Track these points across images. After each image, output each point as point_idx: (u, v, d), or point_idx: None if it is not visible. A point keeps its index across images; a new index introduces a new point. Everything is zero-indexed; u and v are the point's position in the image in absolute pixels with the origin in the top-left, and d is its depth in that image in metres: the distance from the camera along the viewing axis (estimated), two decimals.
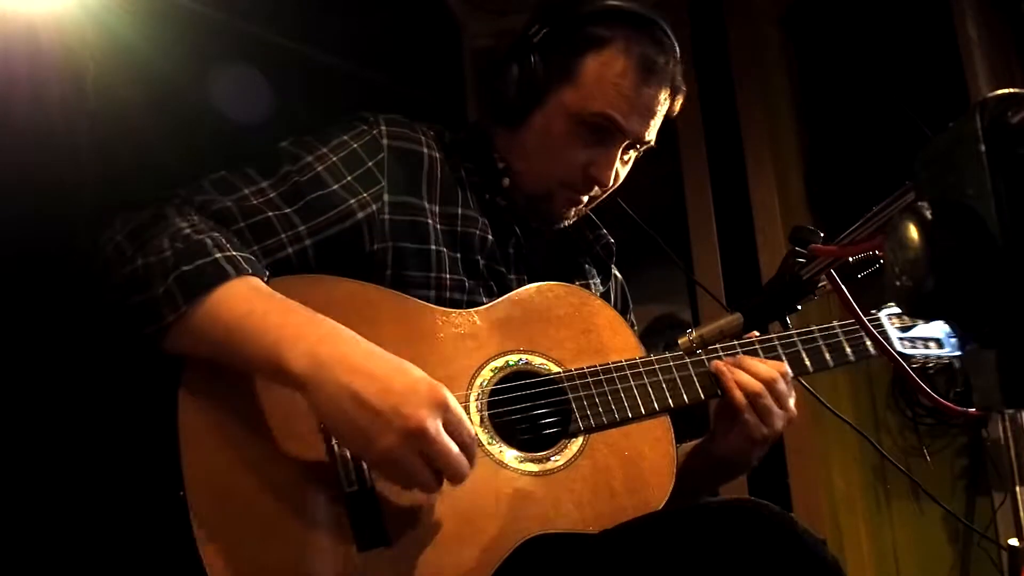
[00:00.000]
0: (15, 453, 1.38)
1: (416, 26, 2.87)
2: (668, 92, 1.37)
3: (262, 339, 1.03)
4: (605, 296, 1.55)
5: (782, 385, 1.32)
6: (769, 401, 1.31)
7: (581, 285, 1.45)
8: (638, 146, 1.39)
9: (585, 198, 1.40)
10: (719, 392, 1.33)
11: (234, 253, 1.09)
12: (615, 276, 1.61)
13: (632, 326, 1.62)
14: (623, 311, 1.62)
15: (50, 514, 1.41)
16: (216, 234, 1.11)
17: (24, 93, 1.47)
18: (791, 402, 1.34)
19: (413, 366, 1.05)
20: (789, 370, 1.35)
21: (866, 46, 2.70)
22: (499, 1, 3.00)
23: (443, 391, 1.02)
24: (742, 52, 3.04)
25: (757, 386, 1.30)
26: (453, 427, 1.02)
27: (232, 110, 1.78)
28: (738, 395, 1.30)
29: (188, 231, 1.10)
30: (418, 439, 0.99)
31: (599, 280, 1.54)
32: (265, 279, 1.11)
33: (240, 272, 1.07)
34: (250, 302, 1.06)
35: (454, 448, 1.01)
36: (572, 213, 1.42)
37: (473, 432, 1.06)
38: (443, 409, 1.01)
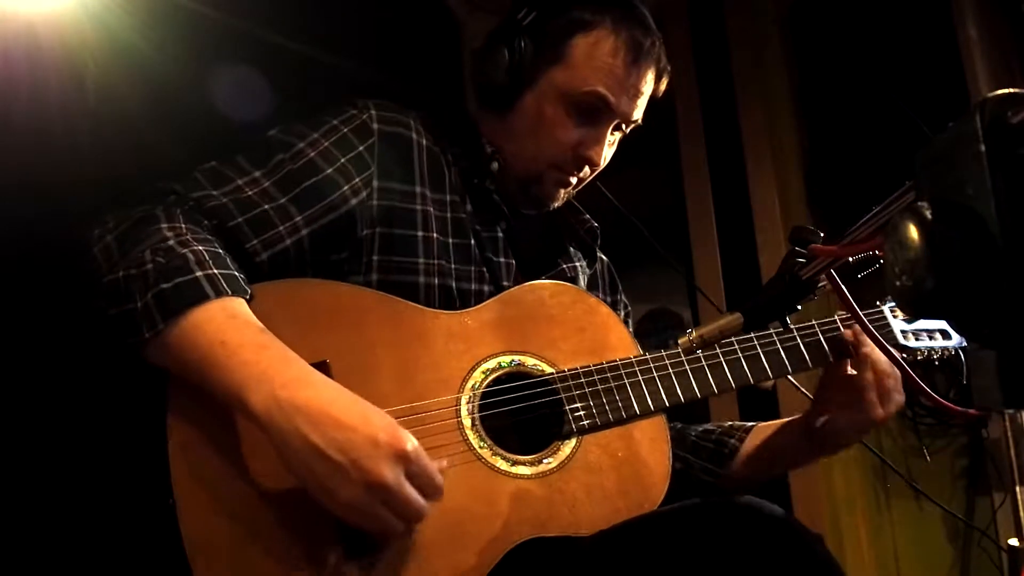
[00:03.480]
0: (10, 455, 1.38)
1: (415, 26, 2.88)
2: (655, 73, 1.40)
3: (229, 375, 1.02)
4: (592, 278, 1.57)
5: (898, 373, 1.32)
6: (892, 382, 1.31)
7: (568, 267, 1.47)
8: (624, 127, 1.41)
9: (574, 179, 1.41)
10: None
11: (215, 271, 1.07)
12: (600, 258, 1.61)
13: (625, 307, 1.63)
14: (612, 292, 1.63)
15: (39, 521, 1.41)
16: (200, 247, 1.09)
17: (24, 93, 1.47)
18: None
19: (379, 412, 1.01)
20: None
21: (866, 46, 2.69)
22: (499, 1, 3.00)
23: (405, 441, 0.99)
24: (742, 51, 3.03)
25: (888, 366, 1.30)
26: (416, 476, 1.00)
27: (231, 109, 1.78)
28: (869, 375, 1.30)
29: (172, 242, 1.08)
30: (378, 492, 0.97)
31: (585, 263, 1.55)
32: (247, 296, 1.10)
33: (220, 293, 1.06)
34: (224, 332, 1.04)
35: (416, 500, 0.99)
36: (561, 195, 1.43)
37: (439, 480, 1.02)
38: (405, 460, 0.98)
